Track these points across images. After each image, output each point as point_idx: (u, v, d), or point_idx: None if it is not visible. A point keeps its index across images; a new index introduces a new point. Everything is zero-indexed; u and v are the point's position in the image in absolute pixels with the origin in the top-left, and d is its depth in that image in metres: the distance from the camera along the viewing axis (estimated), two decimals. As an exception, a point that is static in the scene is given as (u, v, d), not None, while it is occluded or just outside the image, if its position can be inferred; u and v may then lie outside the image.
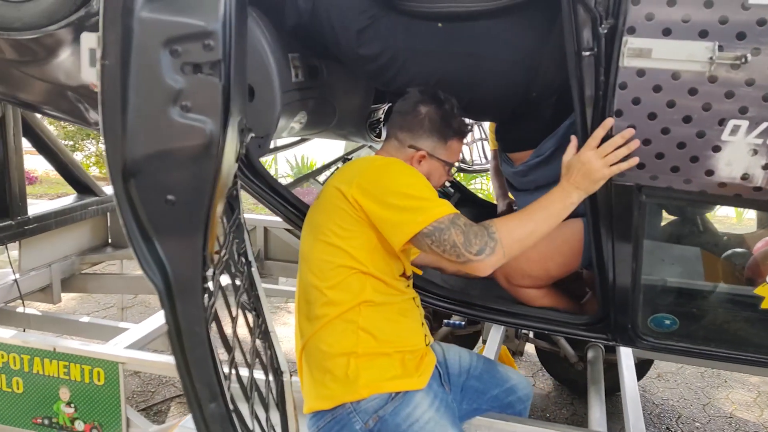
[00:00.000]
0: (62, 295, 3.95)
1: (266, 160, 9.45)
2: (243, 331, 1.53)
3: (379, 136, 2.91)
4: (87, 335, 3.35)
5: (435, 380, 1.85)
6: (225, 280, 1.37)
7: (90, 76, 0.94)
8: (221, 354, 1.28)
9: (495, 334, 2.84)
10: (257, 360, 1.46)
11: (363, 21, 2.03)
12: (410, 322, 1.82)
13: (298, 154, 9.14)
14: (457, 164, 3.76)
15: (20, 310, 3.37)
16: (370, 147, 3.24)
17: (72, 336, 3.37)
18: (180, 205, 1.01)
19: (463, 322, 3.35)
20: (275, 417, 1.55)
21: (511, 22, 1.98)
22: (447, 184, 3.39)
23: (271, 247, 3.95)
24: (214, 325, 1.22)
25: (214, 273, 1.27)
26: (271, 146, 3.00)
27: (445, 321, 3.40)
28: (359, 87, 2.54)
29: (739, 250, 2.13)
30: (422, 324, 1.88)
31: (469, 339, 3.53)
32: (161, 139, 0.97)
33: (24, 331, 3.28)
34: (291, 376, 1.64)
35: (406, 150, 1.84)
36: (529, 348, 3.92)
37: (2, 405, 2.42)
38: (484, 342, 2.89)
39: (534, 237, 1.66)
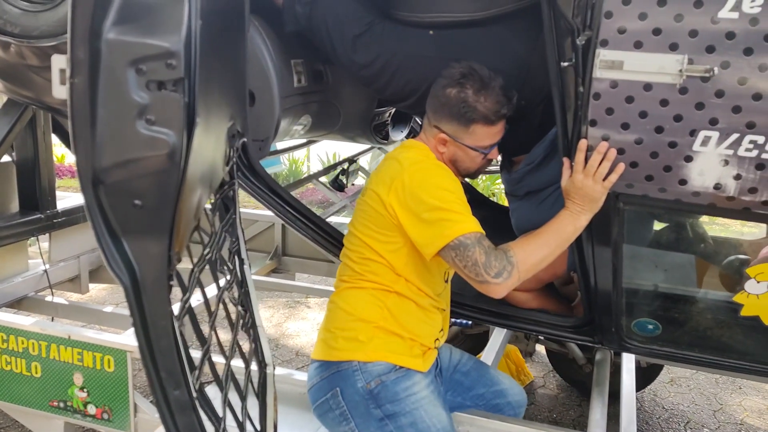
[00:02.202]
0: (93, 285, 4.14)
1: (299, 158, 9.63)
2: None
3: (385, 138, 2.98)
4: (109, 324, 3.50)
5: (433, 369, 1.95)
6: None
7: (61, 93, 1.04)
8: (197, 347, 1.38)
9: (498, 336, 2.89)
10: (236, 352, 1.55)
11: (359, 28, 2.11)
12: (429, 323, 1.91)
13: (330, 151, 9.26)
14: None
15: (49, 299, 3.54)
16: (380, 149, 3.31)
17: (96, 325, 3.52)
18: (147, 209, 1.11)
19: (470, 322, 3.40)
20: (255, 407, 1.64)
21: (500, 31, 2.03)
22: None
23: (288, 244, 4.06)
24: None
25: (193, 270, 1.37)
26: (279, 147, 3.11)
27: (453, 320, 3.45)
28: (364, 91, 2.62)
29: (741, 256, 2.14)
30: (440, 331, 1.96)
31: (479, 338, 3.59)
32: (128, 149, 1.07)
33: (52, 319, 3.45)
34: (274, 368, 1.73)
35: (432, 129, 1.86)
36: (541, 349, 3.96)
37: (22, 388, 2.57)
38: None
39: (547, 261, 1.73)
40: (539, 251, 1.71)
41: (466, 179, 3.65)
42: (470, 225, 1.68)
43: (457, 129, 1.82)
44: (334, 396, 1.83)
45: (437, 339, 1.94)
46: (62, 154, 8.96)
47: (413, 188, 1.71)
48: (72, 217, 3.58)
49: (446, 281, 1.97)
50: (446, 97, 1.81)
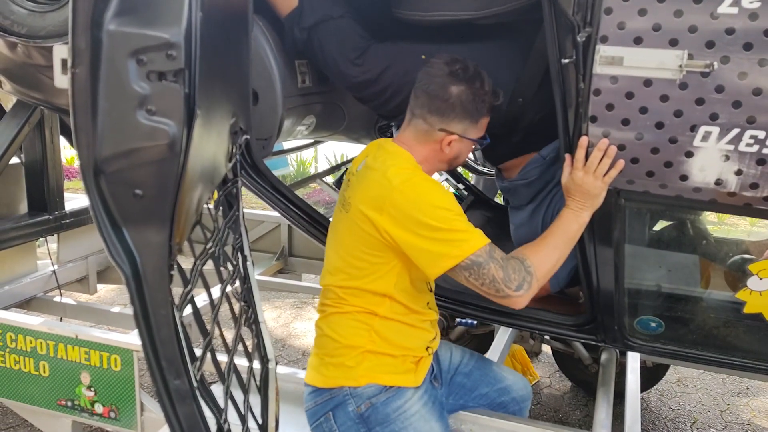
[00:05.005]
0: (101, 286, 4.18)
1: (307, 158, 9.67)
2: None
3: (390, 138, 3.00)
4: (117, 325, 3.53)
5: (427, 375, 1.92)
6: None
7: (62, 83, 1.06)
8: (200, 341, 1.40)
9: (503, 335, 2.89)
10: (240, 346, 1.56)
11: (353, 55, 2.17)
12: (419, 336, 1.88)
13: (337, 152, 9.28)
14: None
15: (57, 299, 3.57)
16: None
17: (103, 325, 3.55)
18: (147, 199, 1.12)
19: (475, 321, 3.41)
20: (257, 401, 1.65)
21: (490, 49, 2.10)
22: (461, 186, 3.46)
23: (294, 244, 4.07)
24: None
25: (195, 263, 1.38)
26: (286, 147, 3.13)
27: (458, 320, 3.47)
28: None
29: (747, 256, 2.14)
30: (432, 339, 1.92)
31: (485, 338, 3.58)
32: (128, 139, 1.09)
33: (60, 319, 3.48)
34: (276, 364, 1.74)
35: (436, 133, 1.76)
36: (547, 349, 3.95)
37: (31, 387, 2.60)
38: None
39: (560, 263, 1.73)
40: (552, 255, 1.70)
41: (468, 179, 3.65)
42: (476, 241, 1.63)
43: (467, 126, 1.77)
44: (327, 420, 1.82)
45: (429, 347, 1.91)
46: (71, 156, 9.03)
47: (409, 210, 1.64)
48: (80, 218, 3.60)
49: (431, 290, 1.95)
50: (454, 97, 1.72)
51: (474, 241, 1.63)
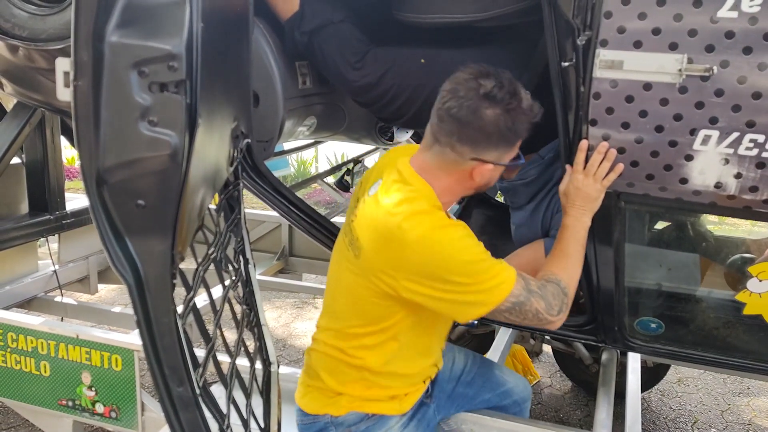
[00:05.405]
0: (102, 286, 4.19)
1: (307, 158, 9.66)
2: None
3: (391, 139, 3.00)
4: (118, 325, 3.54)
5: (421, 397, 1.88)
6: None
7: (65, 96, 1.06)
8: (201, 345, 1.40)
9: (503, 335, 2.90)
10: (242, 350, 1.57)
11: (353, 59, 2.18)
12: (417, 376, 1.83)
13: (338, 152, 9.28)
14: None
15: (58, 299, 3.58)
16: (385, 149, 3.32)
17: (104, 325, 3.56)
18: (149, 209, 1.13)
19: (476, 321, 3.41)
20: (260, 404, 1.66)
21: (492, 53, 2.10)
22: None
23: (295, 244, 4.08)
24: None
25: (197, 269, 1.39)
26: (287, 148, 3.14)
27: (459, 320, 3.47)
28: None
29: (745, 255, 2.14)
30: (433, 366, 1.88)
31: (485, 338, 3.59)
32: (130, 150, 1.09)
33: (62, 319, 3.49)
34: (278, 366, 1.75)
35: (467, 162, 1.57)
36: (548, 349, 3.96)
37: (32, 387, 2.61)
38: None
39: (580, 272, 1.73)
40: (576, 268, 1.71)
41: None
42: (508, 282, 1.53)
43: (503, 152, 1.59)
44: None
45: (429, 376, 1.87)
46: (72, 156, 9.03)
47: (431, 269, 1.50)
48: (81, 218, 3.62)
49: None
50: (491, 124, 1.52)
51: (506, 283, 1.52)
